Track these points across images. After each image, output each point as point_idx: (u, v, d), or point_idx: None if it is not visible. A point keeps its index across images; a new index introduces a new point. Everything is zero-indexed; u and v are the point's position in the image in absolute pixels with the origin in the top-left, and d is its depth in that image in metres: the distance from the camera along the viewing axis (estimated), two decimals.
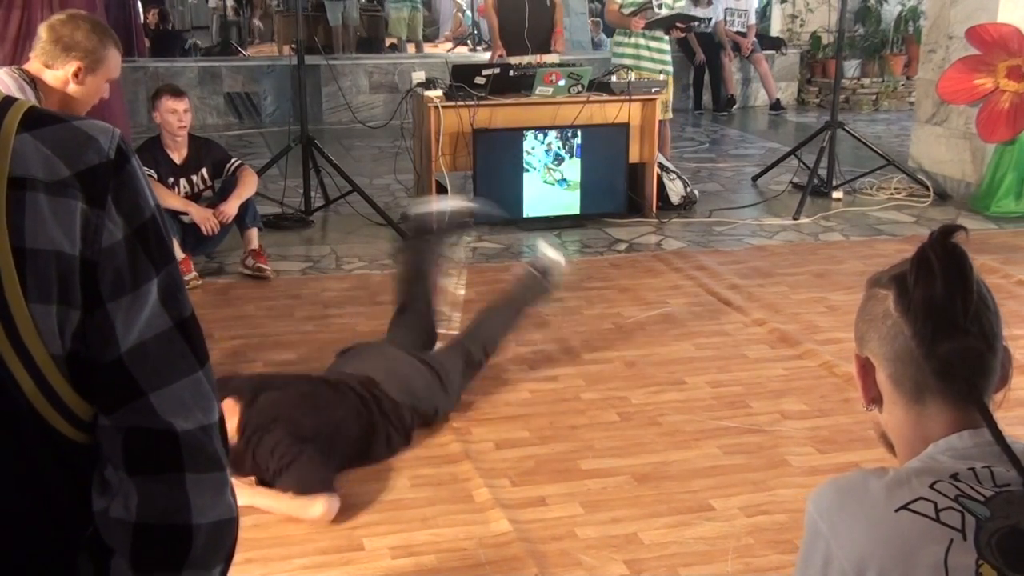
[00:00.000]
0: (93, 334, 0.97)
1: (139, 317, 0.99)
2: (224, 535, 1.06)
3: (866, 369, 1.26)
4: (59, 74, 3.01)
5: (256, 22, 14.62)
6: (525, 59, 6.57)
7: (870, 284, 1.25)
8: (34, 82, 3.00)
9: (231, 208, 5.15)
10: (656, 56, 6.81)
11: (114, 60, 3.08)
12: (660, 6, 6.72)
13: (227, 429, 1.09)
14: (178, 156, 5.25)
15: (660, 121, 6.69)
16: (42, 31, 3.07)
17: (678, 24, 7.03)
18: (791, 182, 7.03)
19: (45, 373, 0.95)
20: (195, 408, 1.02)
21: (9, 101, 0.97)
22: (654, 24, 6.72)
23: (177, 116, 5.13)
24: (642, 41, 6.76)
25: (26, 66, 3.05)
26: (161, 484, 1.00)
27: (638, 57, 6.76)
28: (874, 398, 1.26)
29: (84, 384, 0.99)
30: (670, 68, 6.95)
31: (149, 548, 1.01)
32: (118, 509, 1.00)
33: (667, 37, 6.94)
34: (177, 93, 5.20)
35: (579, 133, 6.04)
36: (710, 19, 10.40)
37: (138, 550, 1.00)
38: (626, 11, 6.74)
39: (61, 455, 1.00)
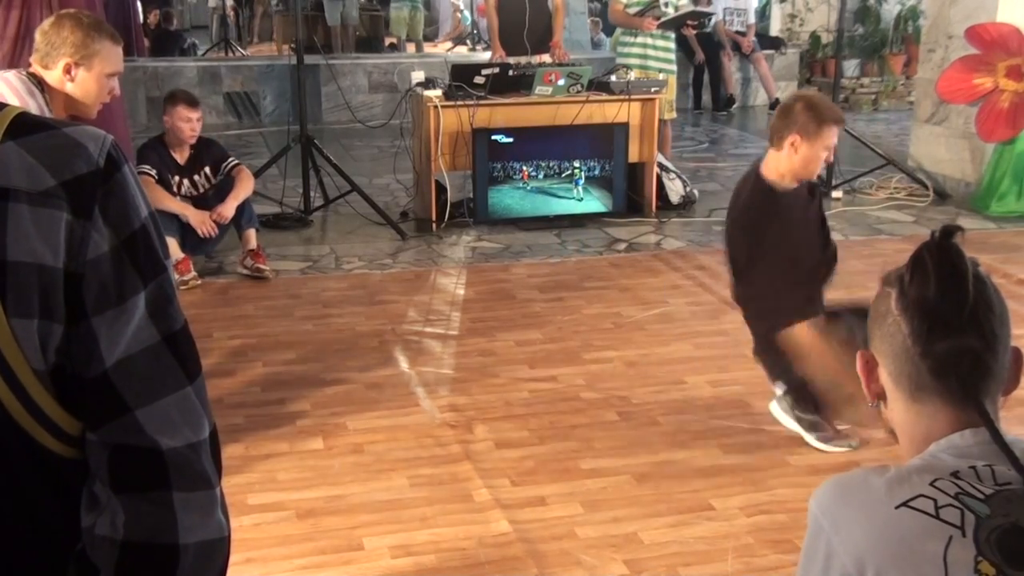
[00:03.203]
0: (77, 348, 0.95)
1: (125, 331, 0.96)
2: (213, 555, 1.03)
3: (869, 365, 1.26)
4: (55, 74, 3.01)
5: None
6: (524, 59, 6.57)
7: (881, 281, 1.26)
8: (42, 85, 3.00)
9: (228, 210, 5.17)
10: (662, 55, 6.82)
11: (108, 53, 3.06)
12: (667, 4, 6.72)
13: (219, 444, 1.07)
14: (181, 156, 5.27)
15: (662, 121, 6.69)
16: (36, 35, 3.08)
17: (689, 22, 7.03)
18: None
19: (28, 388, 0.93)
20: (183, 425, 1.00)
21: None
22: (667, 24, 6.73)
23: (190, 125, 5.18)
24: (649, 41, 6.76)
25: (31, 69, 3.06)
26: (147, 502, 0.98)
27: (645, 57, 6.76)
28: (878, 394, 1.26)
29: (70, 399, 0.97)
30: (674, 68, 6.96)
31: (134, 567, 0.98)
32: (104, 526, 0.98)
33: (673, 36, 6.94)
34: (192, 102, 5.23)
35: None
36: (711, 15, 10.42)
37: (123, 569, 0.98)
38: (631, 11, 6.73)
39: (49, 470, 0.98)
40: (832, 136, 3.32)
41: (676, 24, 6.84)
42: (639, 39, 6.78)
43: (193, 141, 5.25)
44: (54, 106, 3.01)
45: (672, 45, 6.93)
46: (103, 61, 3.05)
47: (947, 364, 1.17)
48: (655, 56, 6.78)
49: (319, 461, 3.33)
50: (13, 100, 2.81)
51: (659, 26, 6.69)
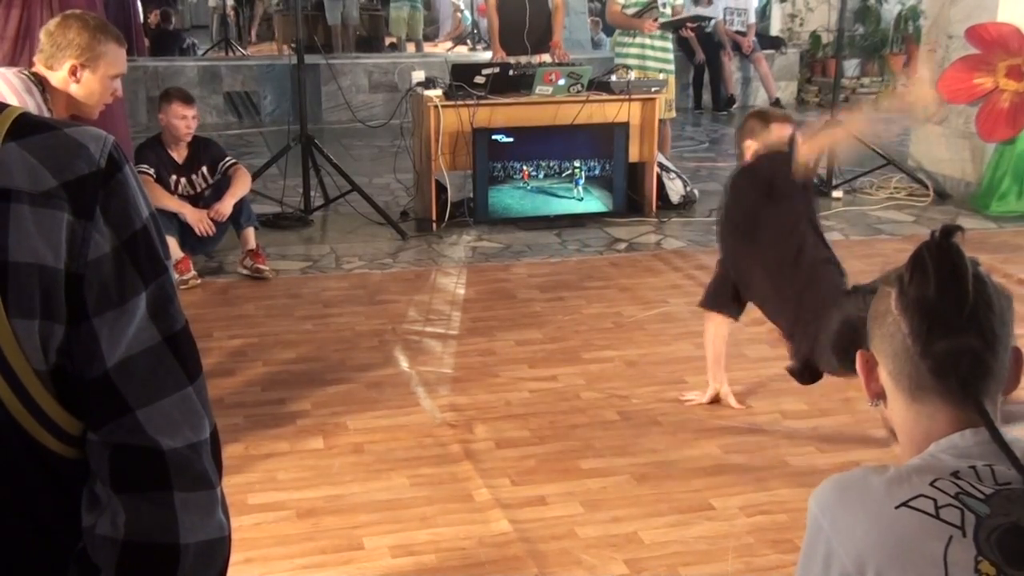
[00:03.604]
0: (78, 349, 0.95)
1: (126, 332, 0.96)
2: (214, 554, 1.03)
3: (869, 365, 1.26)
4: (60, 75, 3.01)
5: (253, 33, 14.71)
6: (524, 59, 6.57)
7: (881, 281, 1.26)
8: (42, 84, 3.00)
9: (226, 207, 5.17)
10: (660, 55, 6.83)
11: (113, 55, 3.06)
12: (665, 5, 6.73)
13: (219, 444, 1.08)
14: (179, 155, 5.28)
15: (661, 120, 6.70)
16: (41, 34, 3.08)
17: (688, 24, 7.05)
18: None
19: (29, 389, 0.93)
20: (183, 425, 1.00)
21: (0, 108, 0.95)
22: (666, 26, 6.74)
23: (186, 122, 5.18)
24: (647, 41, 6.78)
25: (34, 69, 3.06)
26: (148, 502, 0.98)
27: (643, 57, 6.77)
28: (878, 393, 1.26)
29: (71, 399, 0.97)
30: (672, 68, 6.97)
31: (134, 567, 0.99)
32: (105, 526, 0.98)
33: (671, 37, 6.96)
34: (187, 99, 5.24)
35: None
36: (711, 19, 10.42)
37: (123, 569, 0.98)
38: (629, 11, 6.74)
39: (49, 470, 0.98)
40: (782, 131, 3.46)
41: (675, 26, 6.86)
42: (637, 40, 6.80)
43: (189, 139, 5.25)
44: (56, 106, 3.01)
45: (670, 45, 6.95)
46: (108, 64, 3.05)
47: (947, 364, 1.17)
48: (653, 56, 6.79)
49: (319, 461, 3.33)
50: (11, 98, 2.81)
51: (658, 28, 6.70)
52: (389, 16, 13.60)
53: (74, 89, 3.03)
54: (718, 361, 3.74)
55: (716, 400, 3.75)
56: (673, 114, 7.10)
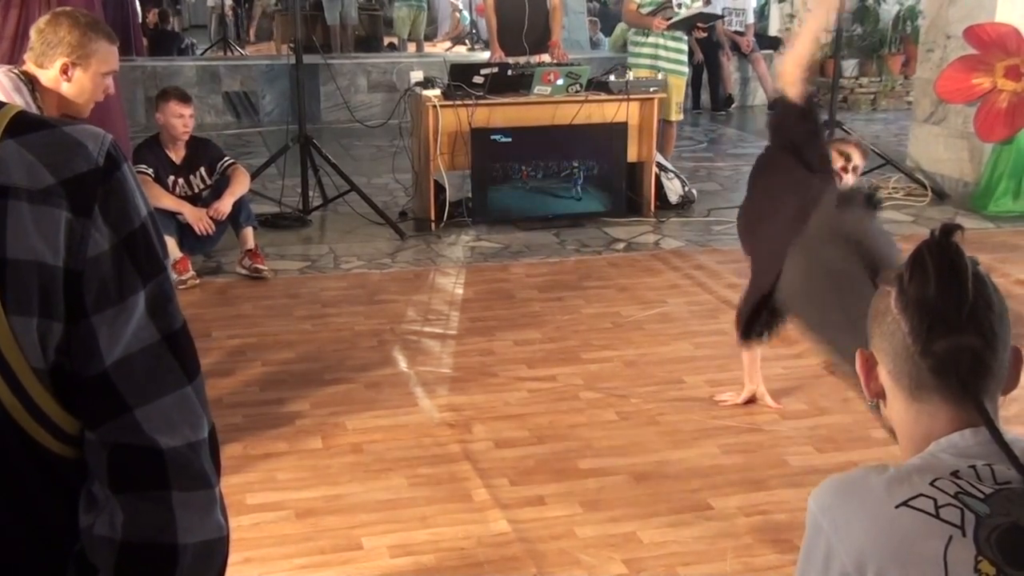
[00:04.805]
0: (77, 347, 0.95)
1: (125, 330, 0.96)
2: (213, 555, 1.03)
3: (869, 364, 1.26)
4: (50, 73, 2.99)
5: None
6: (523, 59, 6.56)
7: (881, 280, 1.26)
8: (32, 83, 2.99)
9: (225, 206, 5.17)
10: (673, 56, 6.81)
11: (105, 53, 3.04)
12: (680, 5, 6.72)
13: (218, 444, 1.07)
14: (176, 156, 5.27)
15: (668, 122, 6.69)
16: (31, 33, 3.06)
17: (699, 24, 7.04)
18: None
19: (27, 387, 0.93)
20: (182, 424, 1.00)
21: None
22: (677, 24, 6.73)
23: (183, 121, 5.18)
24: (661, 41, 6.76)
25: (24, 68, 3.04)
26: (146, 502, 0.98)
27: (655, 57, 6.76)
28: (878, 393, 1.26)
29: (69, 398, 0.96)
30: (685, 69, 6.96)
31: (133, 568, 0.98)
32: (103, 526, 0.98)
33: (685, 38, 6.94)
34: (184, 98, 5.23)
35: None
36: (721, 16, 10.40)
37: (121, 569, 0.98)
38: (644, 11, 6.73)
39: (47, 470, 0.98)
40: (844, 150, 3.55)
41: (686, 25, 6.84)
42: (651, 39, 6.77)
43: (186, 138, 5.25)
44: (47, 105, 2.99)
45: (684, 46, 6.92)
46: (100, 61, 3.03)
47: (947, 363, 1.17)
48: (666, 57, 6.77)
49: (318, 461, 3.33)
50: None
51: (669, 26, 6.69)
52: (392, 16, 13.60)
53: (65, 88, 3.01)
54: (754, 362, 3.74)
55: (751, 401, 3.74)
56: (681, 116, 7.09)
